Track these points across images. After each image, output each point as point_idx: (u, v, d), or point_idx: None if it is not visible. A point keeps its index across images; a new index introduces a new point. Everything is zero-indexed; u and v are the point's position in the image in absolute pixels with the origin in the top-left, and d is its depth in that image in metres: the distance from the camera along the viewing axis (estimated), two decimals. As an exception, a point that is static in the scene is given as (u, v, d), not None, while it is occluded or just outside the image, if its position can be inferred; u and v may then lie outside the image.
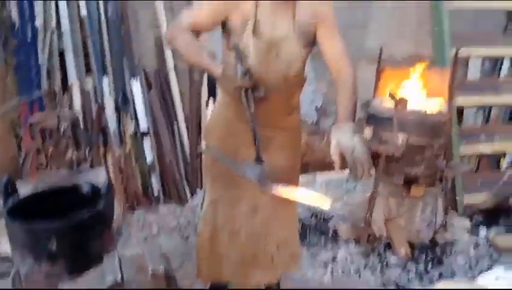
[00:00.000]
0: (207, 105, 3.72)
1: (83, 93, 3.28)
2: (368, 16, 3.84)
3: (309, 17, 1.64)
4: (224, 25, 1.70)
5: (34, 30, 2.59)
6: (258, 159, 1.57)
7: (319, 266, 2.63)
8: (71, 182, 1.56)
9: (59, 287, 0.79)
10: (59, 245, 0.81)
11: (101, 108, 3.31)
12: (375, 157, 2.68)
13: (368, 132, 2.69)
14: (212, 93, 3.71)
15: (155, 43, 3.59)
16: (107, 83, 3.44)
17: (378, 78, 2.97)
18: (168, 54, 3.56)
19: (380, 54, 2.98)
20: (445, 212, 2.92)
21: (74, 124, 1.60)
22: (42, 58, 2.95)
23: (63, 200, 0.97)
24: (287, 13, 1.62)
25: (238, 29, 1.64)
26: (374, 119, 2.75)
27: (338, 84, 1.73)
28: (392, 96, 2.65)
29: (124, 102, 3.46)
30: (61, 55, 3.25)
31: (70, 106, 3.02)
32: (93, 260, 0.86)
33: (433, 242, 2.82)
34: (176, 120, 3.70)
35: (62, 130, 1.60)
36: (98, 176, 1.75)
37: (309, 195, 1.45)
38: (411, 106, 2.66)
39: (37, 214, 0.85)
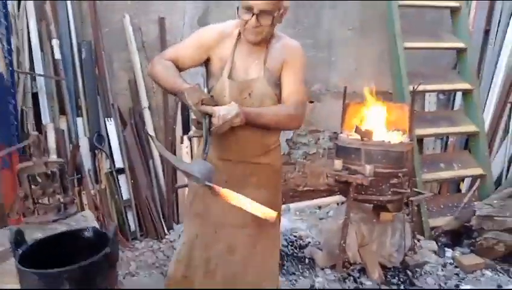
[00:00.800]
0: (182, 141, 3.82)
1: (57, 133, 3.30)
2: (331, 54, 4.13)
3: (277, 61, 1.76)
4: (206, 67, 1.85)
5: (12, 74, 2.63)
6: (205, 156, 1.58)
7: (298, 295, 2.72)
8: (58, 227, 1.61)
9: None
10: (70, 287, 0.88)
11: (76, 147, 3.33)
12: (346, 186, 2.87)
13: (337, 163, 2.87)
14: (186, 129, 3.82)
15: (129, 84, 3.68)
16: (81, 123, 3.48)
17: (344, 113, 3.19)
18: (142, 93, 3.66)
19: (345, 91, 3.22)
20: (413, 236, 3.11)
21: (62, 170, 1.64)
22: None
23: (68, 244, 1.04)
24: (260, 57, 1.76)
25: (217, 72, 1.79)
26: (343, 151, 2.94)
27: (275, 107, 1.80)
28: (358, 129, 2.86)
29: (98, 141, 3.49)
30: (35, 96, 3.28)
31: (45, 148, 3.03)
32: (103, 299, 0.93)
33: (404, 264, 2.99)
34: (152, 157, 3.76)
35: (50, 176, 1.65)
36: (87, 219, 1.79)
37: (254, 205, 1.43)
38: (375, 138, 2.87)
39: (45, 259, 0.92)
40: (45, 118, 3.30)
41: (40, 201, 1.69)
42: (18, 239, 0.98)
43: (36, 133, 1.84)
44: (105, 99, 3.53)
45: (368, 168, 2.72)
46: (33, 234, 1.57)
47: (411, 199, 2.95)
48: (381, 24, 3.90)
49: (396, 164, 2.81)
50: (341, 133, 3.12)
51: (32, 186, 1.66)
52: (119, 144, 3.57)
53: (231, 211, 1.61)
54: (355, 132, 2.89)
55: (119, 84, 3.67)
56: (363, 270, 2.94)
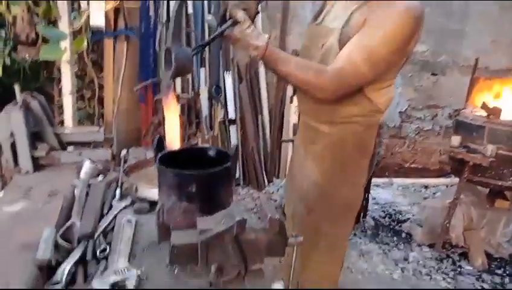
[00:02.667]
0: (291, 101, 3.91)
1: (183, 80, 3.65)
2: (465, 25, 3.76)
3: (362, 17, 1.40)
4: None
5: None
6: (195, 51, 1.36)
7: (389, 264, 2.68)
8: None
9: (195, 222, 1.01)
10: (197, 189, 1.03)
11: (197, 95, 3.65)
12: (460, 165, 2.68)
13: (455, 139, 2.68)
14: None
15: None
16: (203, 73, 3.78)
17: (471, 86, 2.93)
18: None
19: (476, 63, 2.94)
20: (531, 231, 2.80)
21: (189, 105, 1.86)
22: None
23: (195, 157, 1.21)
24: (352, 7, 1.44)
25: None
26: (464, 127, 2.72)
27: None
28: (485, 105, 2.61)
29: (216, 92, 3.77)
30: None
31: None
32: (220, 205, 1.07)
33: (513, 258, 2.74)
34: (261, 112, 3.94)
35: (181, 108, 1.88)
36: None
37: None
38: (503, 117, 2.60)
39: (178, 165, 1.09)
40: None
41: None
42: (159, 145, 1.16)
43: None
44: (226, 53, 3.76)
45: (490, 149, 2.49)
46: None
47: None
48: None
49: (525, 148, 2.52)
50: (464, 108, 2.88)
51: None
52: (234, 96, 3.80)
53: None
54: (482, 107, 2.64)
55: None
56: (464, 255, 2.76)
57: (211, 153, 1.24)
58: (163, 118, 1.96)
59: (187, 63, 1.26)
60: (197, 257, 0.96)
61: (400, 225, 3.17)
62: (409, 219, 3.24)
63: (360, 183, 1.67)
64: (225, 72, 3.81)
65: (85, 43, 2.77)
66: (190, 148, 1.28)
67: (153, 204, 1.28)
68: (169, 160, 1.14)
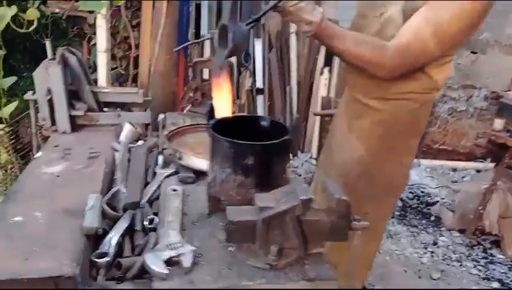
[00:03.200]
0: (321, 73, 3.76)
1: (212, 43, 3.52)
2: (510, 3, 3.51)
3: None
4: None
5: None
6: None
7: (418, 247, 2.62)
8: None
9: (250, 198, 0.93)
10: (254, 162, 0.95)
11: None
12: (501, 150, 2.55)
13: (498, 122, 2.54)
14: (328, 61, 3.73)
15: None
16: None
17: (519, 67, 2.75)
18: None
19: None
20: None
21: (231, 70, 1.76)
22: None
23: (247, 127, 1.12)
24: None
25: None
26: (508, 111, 2.58)
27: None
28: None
29: (245, 59, 3.63)
30: (198, 8, 3.50)
31: (202, 54, 3.31)
32: (276, 181, 0.99)
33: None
34: (289, 83, 3.81)
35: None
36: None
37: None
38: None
39: (229, 134, 1.01)
40: (203, 28, 3.53)
41: (205, 95, 1.84)
42: (211, 112, 1.08)
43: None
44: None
45: (537, 134, 2.35)
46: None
47: None
48: None
49: None
50: (509, 90, 2.72)
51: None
52: (263, 65, 3.67)
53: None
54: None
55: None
56: (496, 243, 2.68)
57: (264, 123, 1.15)
58: (201, 83, 1.89)
59: (244, 41, 1.18)
60: (255, 236, 0.89)
61: (428, 207, 3.08)
62: (437, 201, 3.15)
63: (407, 163, 1.58)
64: (255, 38, 3.66)
65: (124, -3, 2.64)
66: (242, 117, 1.19)
67: (197, 173, 1.20)
68: (220, 128, 1.06)
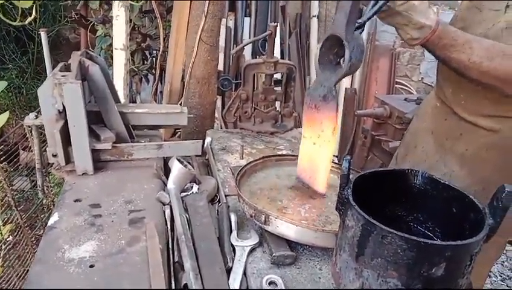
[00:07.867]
0: (344, 60, 3.40)
1: (226, 30, 3.09)
2: None
3: None
4: None
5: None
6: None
7: None
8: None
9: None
10: (445, 272, 0.58)
11: (241, 48, 3.10)
12: None
13: None
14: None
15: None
16: (247, 23, 3.23)
17: None
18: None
19: None
20: None
21: (289, 74, 1.37)
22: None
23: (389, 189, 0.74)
24: None
25: None
26: None
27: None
28: None
29: (263, 46, 3.22)
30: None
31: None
32: None
33: None
34: (309, 74, 3.45)
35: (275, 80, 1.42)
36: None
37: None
38: None
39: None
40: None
41: (257, 107, 1.45)
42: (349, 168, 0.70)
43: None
44: (275, 3, 3.20)
45: None
46: (253, 143, 1.35)
47: None
48: None
49: None
50: None
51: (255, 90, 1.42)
52: (282, 51, 3.28)
53: None
54: None
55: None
56: None
57: (417, 181, 0.77)
58: (253, 91, 1.47)
59: (362, 59, 0.92)
60: None
61: None
62: None
63: None
64: (272, 22, 3.25)
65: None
66: (382, 173, 0.76)
67: (290, 244, 0.83)
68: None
